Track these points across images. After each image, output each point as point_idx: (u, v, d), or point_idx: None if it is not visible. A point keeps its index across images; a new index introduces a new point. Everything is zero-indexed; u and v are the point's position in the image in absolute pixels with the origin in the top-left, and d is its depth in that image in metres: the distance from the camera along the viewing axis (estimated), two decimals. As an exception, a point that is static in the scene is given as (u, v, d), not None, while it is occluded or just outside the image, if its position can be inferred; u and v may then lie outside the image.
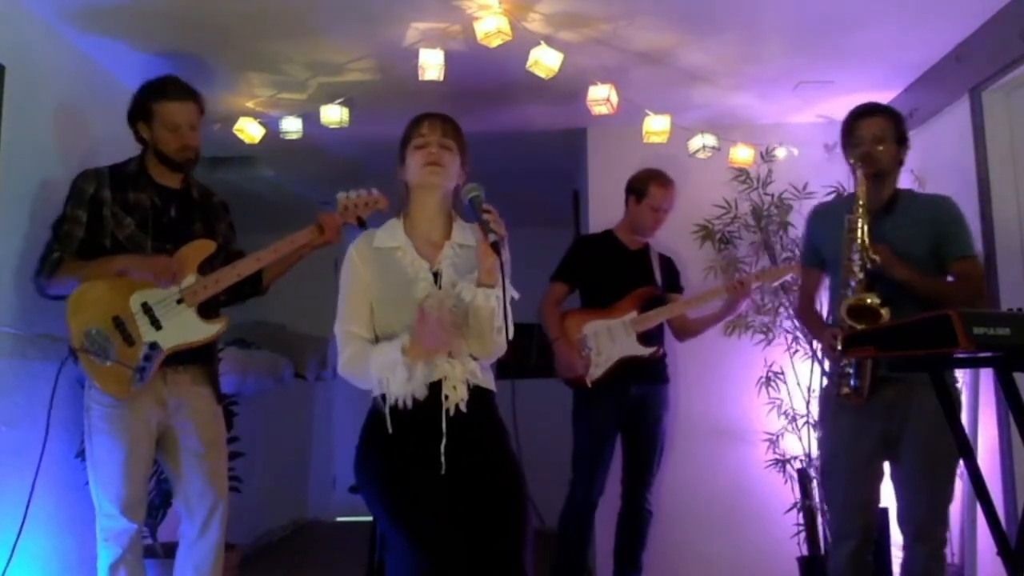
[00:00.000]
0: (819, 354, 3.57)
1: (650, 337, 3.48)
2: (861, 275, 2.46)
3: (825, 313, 2.84)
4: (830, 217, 2.70)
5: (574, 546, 3.45)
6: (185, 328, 2.60)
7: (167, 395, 2.64)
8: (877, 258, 2.45)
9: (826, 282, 2.80)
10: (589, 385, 3.40)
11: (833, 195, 3.61)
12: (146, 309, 2.56)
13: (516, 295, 2.01)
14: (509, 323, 1.96)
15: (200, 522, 2.69)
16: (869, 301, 2.40)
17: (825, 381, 2.76)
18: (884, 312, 2.39)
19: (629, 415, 3.46)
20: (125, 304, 2.55)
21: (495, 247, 1.90)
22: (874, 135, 2.55)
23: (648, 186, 3.51)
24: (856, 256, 2.48)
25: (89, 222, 2.62)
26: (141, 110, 2.70)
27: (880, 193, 2.60)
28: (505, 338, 1.98)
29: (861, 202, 2.51)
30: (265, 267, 2.76)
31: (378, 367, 1.96)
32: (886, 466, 2.58)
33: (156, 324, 2.56)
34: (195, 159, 2.74)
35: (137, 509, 2.59)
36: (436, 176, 2.06)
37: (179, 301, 2.59)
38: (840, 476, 2.56)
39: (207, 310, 2.67)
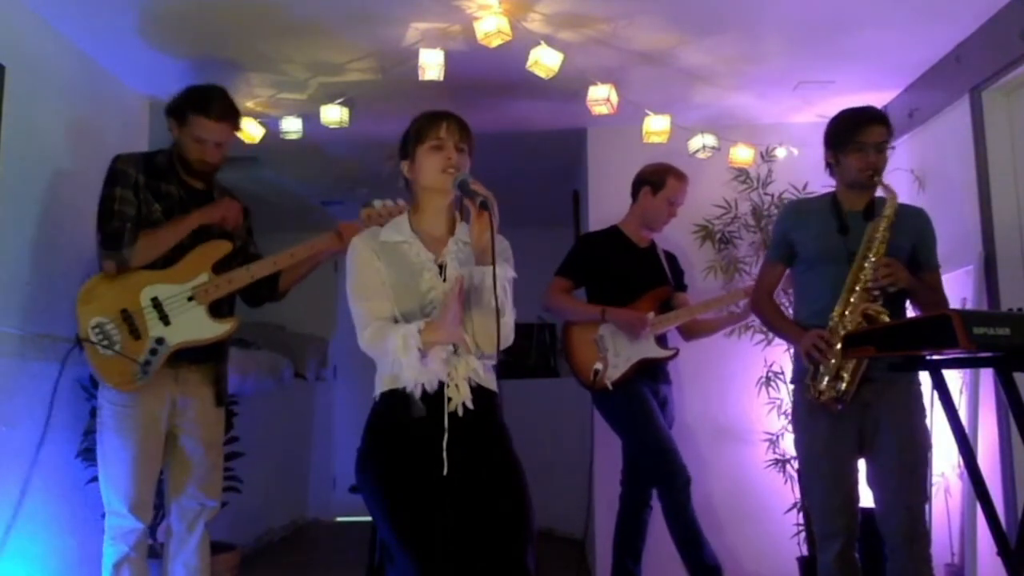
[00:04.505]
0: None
1: (662, 338, 3.47)
2: (871, 283, 2.46)
3: (792, 309, 2.84)
4: (810, 215, 2.71)
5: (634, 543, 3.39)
6: (194, 325, 2.61)
7: (177, 395, 2.66)
8: (892, 268, 2.46)
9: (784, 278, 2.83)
10: (610, 387, 3.32)
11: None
12: (156, 304, 2.58)
13: (513, 274, 2.00)
14: (509, 302, 1.96)
15: (188, 521, 2.70)
16: (884, 318, 2.40)
17: (793, 384, 2.74)
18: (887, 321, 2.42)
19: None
20: (135, 298, 2.57)
21: (484, 207, 1.89)
22: (877, 144, 2.56)
23: (666, 178, 3.47)
24: (871, 264, 2.48)
25: (134, 201, 2.63)
26: (178, 112, 2.71)
27: (862, 199, 2.63)
28: (510, 321, 1.98)
29: (888, 212, 2.52)
30: (282, 272, 2.79)
31: (394, 347, 1.93)
32: (861, 464, 2.60)
33: (165, 320, 2.58)
34: (212, 171, 2.77)
35: (146, 508, 2.61)
36: (453, 184, 2.04)
37: (190, 299, 2.61)
38: (823, 478, 2.56)
39: (219, 310, 2.69)
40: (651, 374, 3.41)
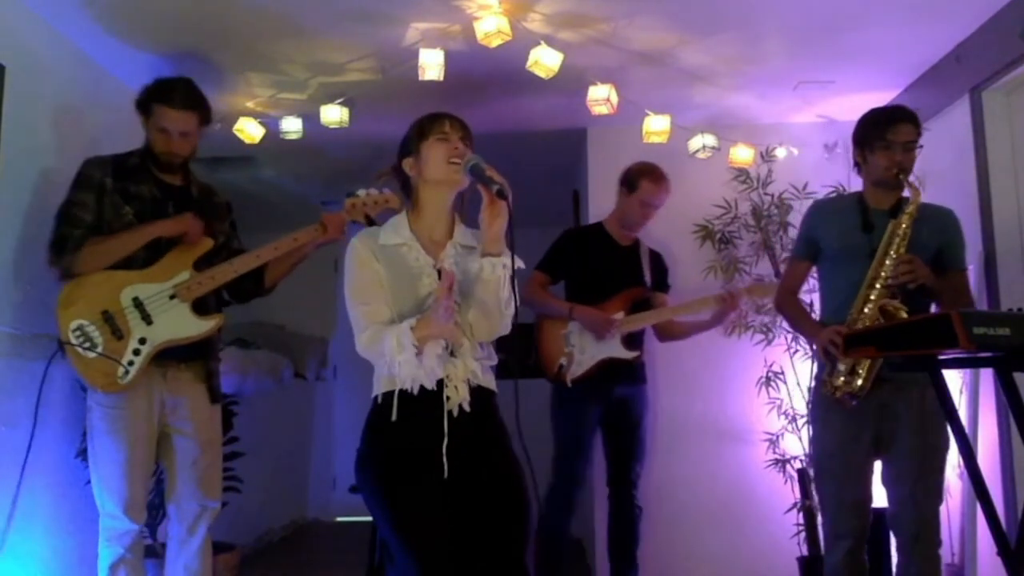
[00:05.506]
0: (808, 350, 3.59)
1: (633, 339, 3.44)
2: (890, 280, 2.46)
3: (817, 307, 2.84)
4: (836, 213, 2.70)
5: (557, 539, 3.37)
6: (177, 324, 2.59)
7: (167, 394, 2.64)
8: (912, 266, 2.44)
9: (812, 276, 2.82)
10: (569, 384, 3.35)
11: (833, 194, 3.61)
12: (137, 304, 2.56)
13: (522, 264, 1.97)
14: (515, 293, 1.93)
15: (188, 523, 2.68)
16: (903, 314, 2.39)
17: (814, 381, 2.74)
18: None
19: (611, 415, 3.42)
20: (115, 298, 2.55)
21: (501, 195, 1.86)
22: (905, 143, 2.54)
23: (639, 180, 3.42)
24: (892, 261, 2.48)
25: (94, 207, 2.61)
26: (144, 105, 2.69)
27: (889, 198, 2.62)
28: (512, 312, 1.95)
29: (910, 210, 2.51)
30: (267, 266, 2.75)
31: (390, 348, 1.92)
32: (877, 465, 2.59)
33: (147, 319, 2.56)
34: (180, 164, 2.73)
35: (139, 509, 2.60)
36: (459, 173, 2.03)
37: (172, 297, 2.59)
38: (835, 476, 2.56)
39: (203, 307, 2.66)
40: (614, 374, 3.39)
